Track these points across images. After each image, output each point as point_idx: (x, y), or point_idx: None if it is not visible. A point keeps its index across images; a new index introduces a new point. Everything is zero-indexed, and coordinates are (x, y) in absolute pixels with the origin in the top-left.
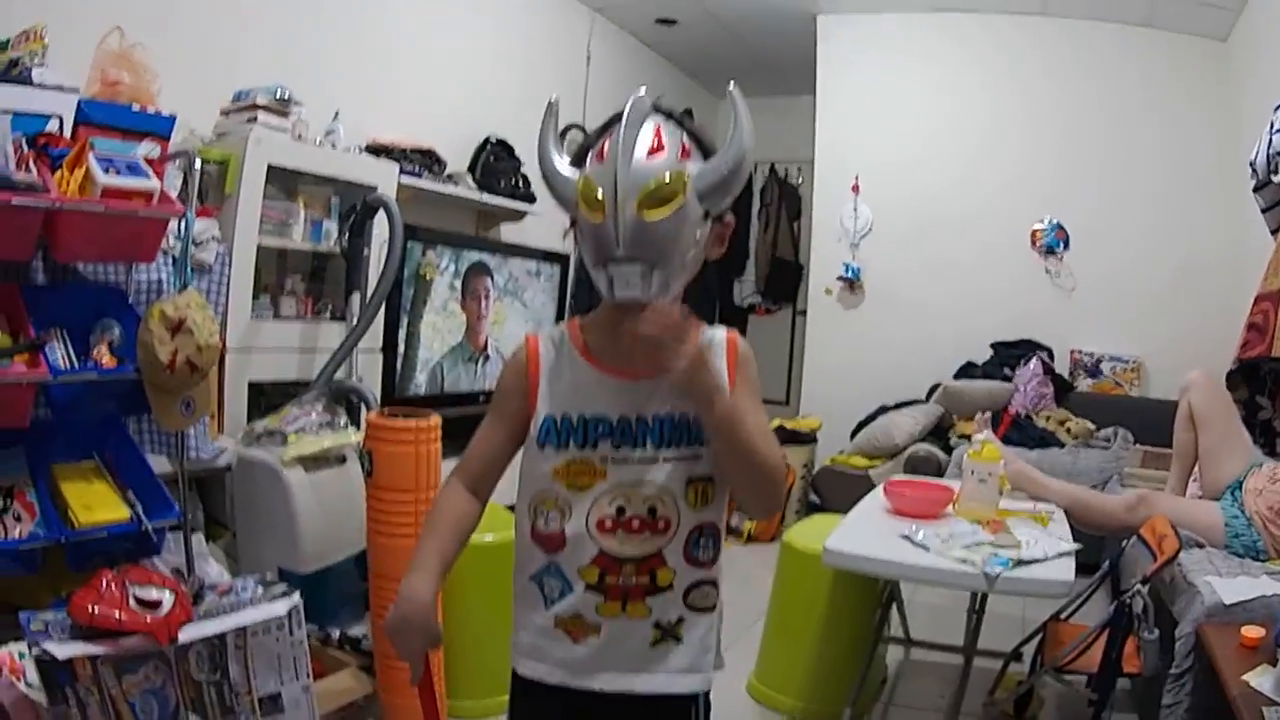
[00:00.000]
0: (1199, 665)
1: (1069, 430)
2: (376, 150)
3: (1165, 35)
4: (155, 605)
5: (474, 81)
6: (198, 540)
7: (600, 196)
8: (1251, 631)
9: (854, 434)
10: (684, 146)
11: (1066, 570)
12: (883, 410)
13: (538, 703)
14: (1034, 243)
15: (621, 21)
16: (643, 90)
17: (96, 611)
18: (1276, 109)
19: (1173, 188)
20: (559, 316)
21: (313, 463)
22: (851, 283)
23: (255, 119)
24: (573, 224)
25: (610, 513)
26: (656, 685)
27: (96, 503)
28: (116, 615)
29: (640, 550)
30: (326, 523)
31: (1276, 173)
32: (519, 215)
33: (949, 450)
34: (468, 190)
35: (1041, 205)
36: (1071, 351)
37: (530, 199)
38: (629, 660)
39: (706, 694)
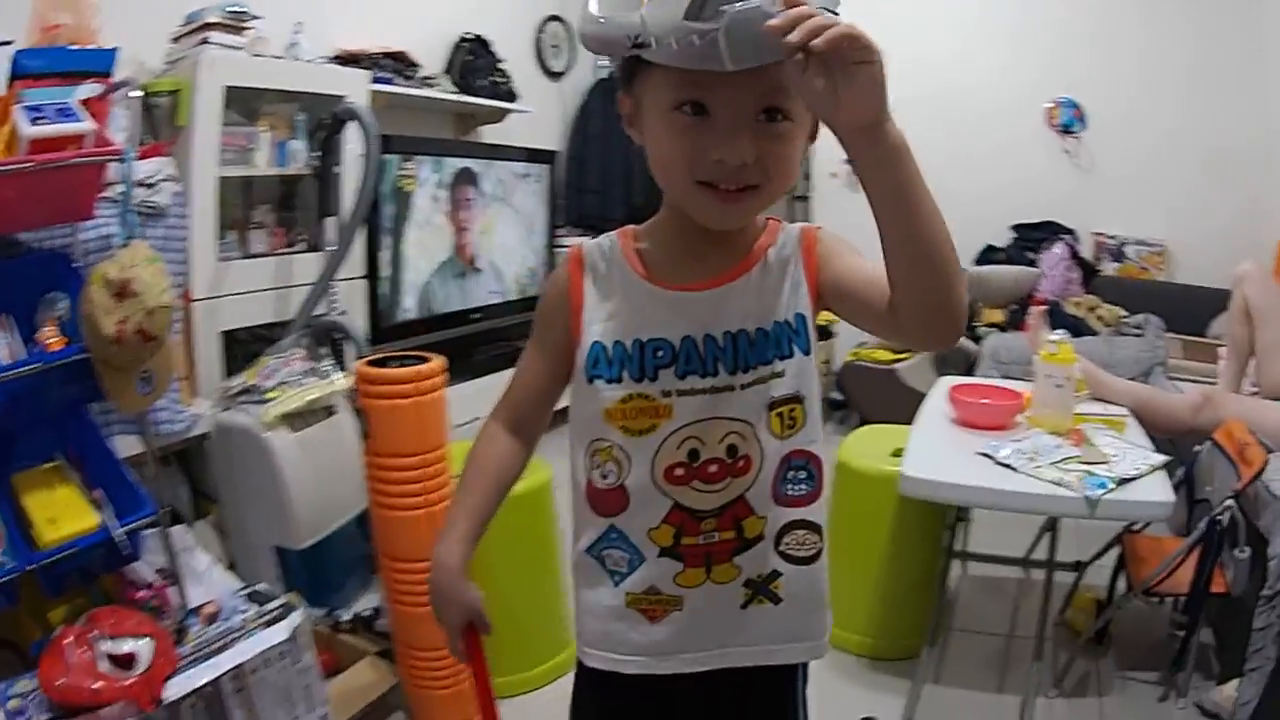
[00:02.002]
0: None
1: (1100, 317)
2: (344, 60)
3: None
4: (131, 661)
5: None
6: (181, 532)
7: None
8: None
9: None
10: None
11: (1165, 489)
12: None
13: (613, 697)
14: (1050, 121)
15: None
16: None
17: (65, 685)
18: None
19: (1200, 70)
20: (551, 219)
21: (298, 419)
22: None
23: (207, 40)
24: (625, 80)
25: (681, 458)
26: (751, 657)
27: (63, 513)
28: (90, 686)
29: (722, 499)
30: (320, 488)
31: None
32: (501, 115)
33: (976, 340)
34: (446, 93)
35: (1058, 83)
36: (1094, 234)
37: (512, 96)
38: (718, 632)
39: (805, 666)
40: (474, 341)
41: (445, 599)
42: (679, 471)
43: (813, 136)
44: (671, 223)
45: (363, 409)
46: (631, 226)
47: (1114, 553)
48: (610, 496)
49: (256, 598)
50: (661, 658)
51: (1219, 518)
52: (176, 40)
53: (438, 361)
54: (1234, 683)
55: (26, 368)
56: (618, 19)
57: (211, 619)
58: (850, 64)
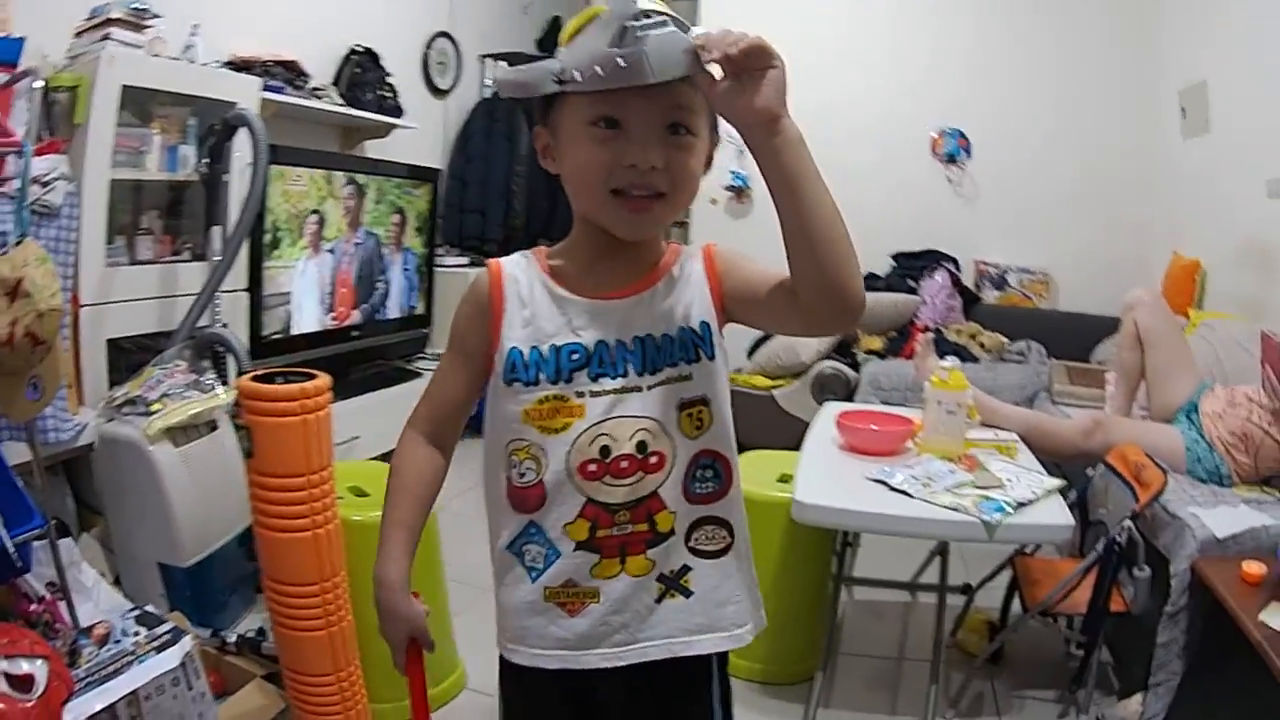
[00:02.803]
0: (1193, 602)
1: (982, 344)
2: (237, 65)
3: None
4: (28, 683)
5: None
6: (69, 545)
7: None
8: (1252, 567)
9: (751, 352)
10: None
11: (1063, 512)
12: None
13: (535, 691)
14: (934, 150)
15: None
16: None
17: None
18: None
19: (1076, 96)
20: (429, 237)
21: (181, 434)
22: (740, 191)
23: (108, 36)
24: (542, 116)
25: (593, 454)
26: (667, 649)
27: None
28: None
29: (634, 494)
30: (204, 504)
31: None
32: (386, 130)
33: (856, 367)
34: (333, 104)
35: (942, 112)
36: (976, 263)
37: (398, 112)
38: (635, 625)
39: (725, 654)
40: (352, 359)
41: (390, 616)
42: (592, 467)
43: (707, 165)
44: (585, 239)
45: (246, 425)
46: (543, 246)
47: (1005, 575)
48: (529, 493)
49: (145, 620)
50: (580, 652)
51: (1118, 538)
52: (79, 34)
53: (324, 379)
54: (1137, 697)
55: None
56: (536, 66)
57: (103, 640)
58: (756, 69)
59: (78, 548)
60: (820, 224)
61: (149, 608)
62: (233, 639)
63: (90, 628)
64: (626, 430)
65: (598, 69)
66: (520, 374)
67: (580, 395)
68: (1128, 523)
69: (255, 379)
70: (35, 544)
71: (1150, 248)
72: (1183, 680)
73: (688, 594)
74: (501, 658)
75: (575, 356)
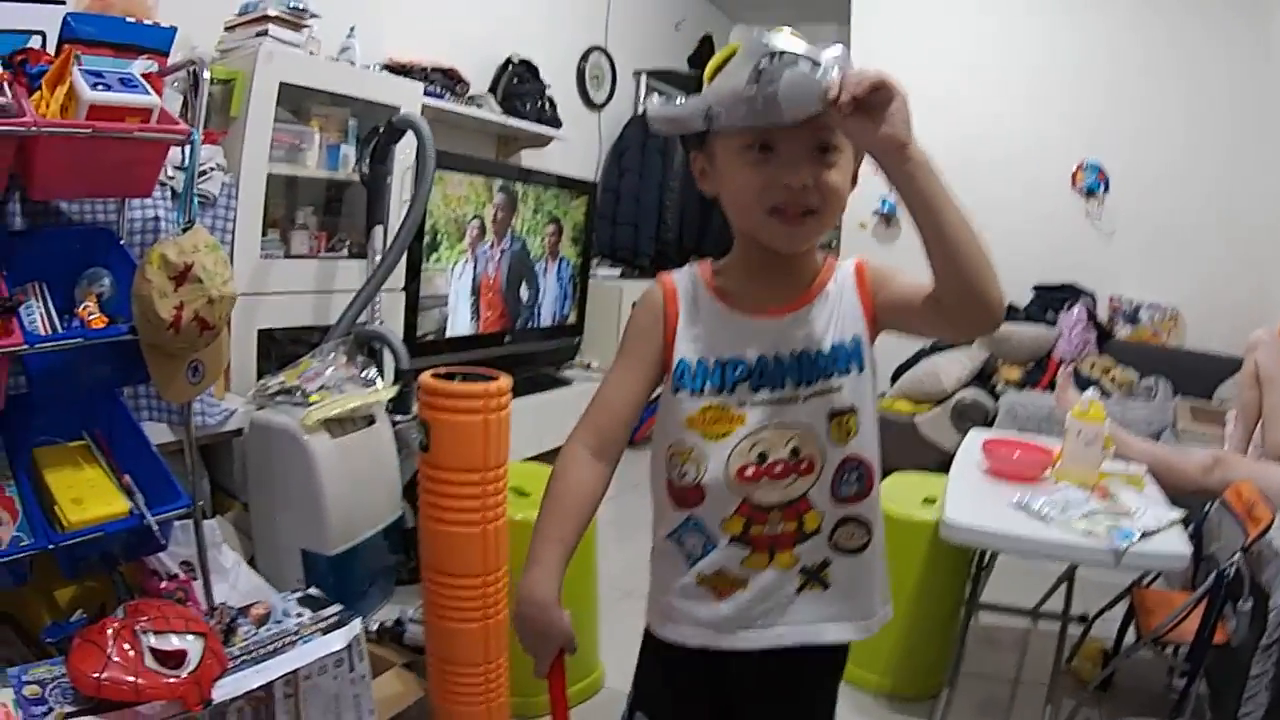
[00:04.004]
0: None
1: (1113, 379)
2: (396, 69)
3: None
4: (178, 658)
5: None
6: (212, 526)
7: (744, 44)
8: None
9: (894, 377)
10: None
11: (1183, 541)
12: (923, 353)
13: (676, 666)
14: (1074, 183)
15: None
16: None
17: (105, 679)
18: None
19: (1210, 129)
20: (584, 248)
21: (338, 426)
22: (887, 217)
23: (266, 32)
24: (697, 143)
25: (751, 459)
26: (803, 636)
27: (89, 494)
28: (133, 682)
29: (785, 495)
30: (355, 495)
31: None
32: (544, 140)
33: (995, 397)
34: (491, 113)
35: (1083, 145)
36: (1110, 298)
37: (556, 123)
38: (774, 612)
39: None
40: (503, 364)
41: (539, 632)
42: (749, 471)
43: (853, 182)
44: (744, 258)
45: (425, 421)
46: (707, 261)
47: (1121, 606)
48: (688, 493)
49: (310, 602)
50: (722, 634)
51: (1226, 571)
52: (232, 29)
53: (505, 379)
54: None
55: (67, 340)
56: (687, 104)
57: (262, 620)
58: (880, 104)
59: (217, 528)
60: (955, 238)
61: (313, 590)
62: (373, 627)
63: (247, 608)
64: (782, 438)
65: (738, 109)
66: (688, 383)
67: (741, 405)
68: (1237, 556)
69: (436, 376)
70: (175, 524)
71: (1278, 289)
72: (1268, 712)
73: (826, 585)
74: (646, 631)
75: (739, 370)
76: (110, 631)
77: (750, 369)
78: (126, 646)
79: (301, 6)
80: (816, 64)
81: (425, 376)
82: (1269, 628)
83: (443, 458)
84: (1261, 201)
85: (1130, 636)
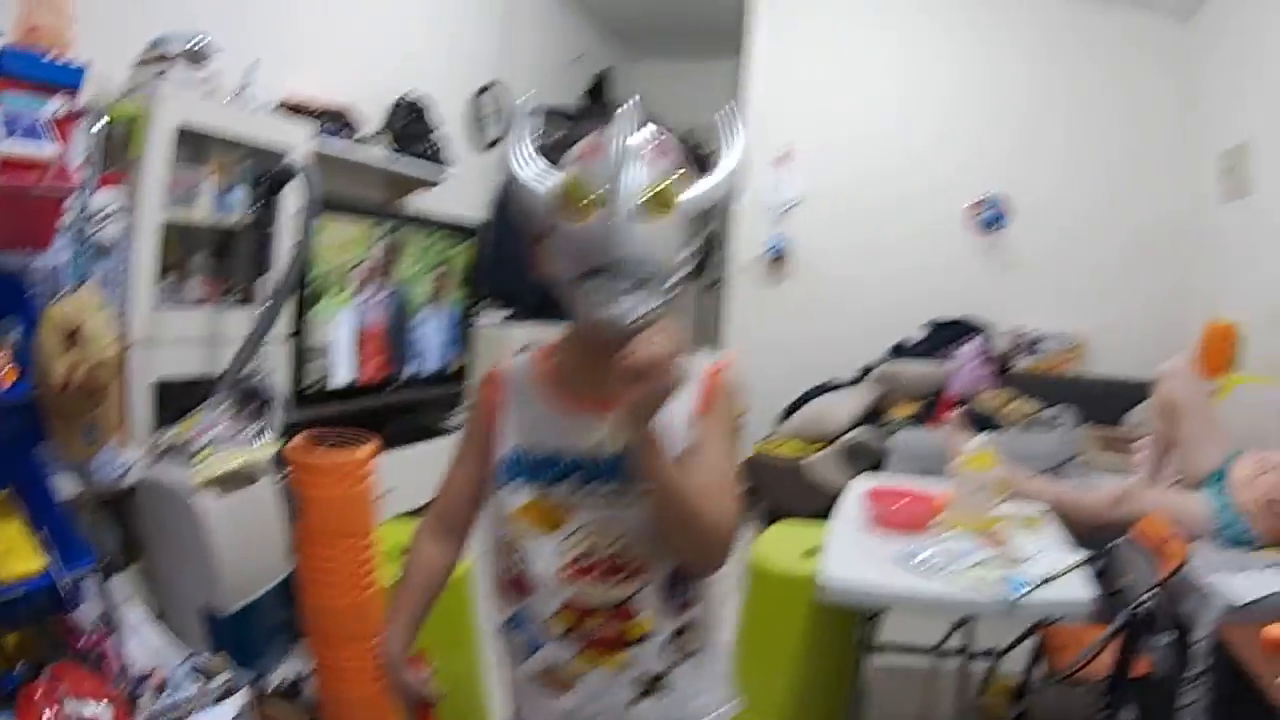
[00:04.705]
0: (1216, 665)
1: (1013, 412)
2: (290, 109)
3: (1115, 12)
4: None
5: (391, 34)
6: (118, 583)
7: (592, 196)
8: (1275, 631)
9: (784, 418)
10: (681, 161)
11: (1084, 587)
12: (813, 393)
13: None
14: (971, 218)
15: None
16: (637, 97)
17: None
18: None
19: (1113, 162)
20: (469, 292)
21: (224, 483)
22: (776, 258)
23: (167, 71)
24: (537, 240)
25: (576, 556)
26: None
27: (8, 550)
28: None
29: (611, 596)
30: (247, 553)
31: None
32: (432, 182)
33: (887, 435)
34: (382, 154)
35: (980, 180)
36: (1009, 330)
37: (444, 164)
38: (610, 715)
39: None
40: (389, 412)
41: (393, 683)
42: (573, 569)
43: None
44: (576, 344)
45: (295, 490)
46: (545, 344)
47: (1030, 638)
48: (516, 585)
49: (202, 670)
50: None
51: (1139, 608)
52: (141, 64)
53: (369, 447)
54: None
55: None
56: (536, 200)
57: (161, 688)
58: (646, 378)
59: (125, 585)
60: (669, 518)
61: (203, 656)
62: (273, 685)
63: (148, 675)
64: (608, 537)
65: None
66: (513, 476)
67: (568, 500)
68: (1150, 593)
69: (304, 441)
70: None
71: (1186, 311)
72: None
73: (665, 692)
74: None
75: (565, 464)
76: (39, 696)
77: (576, 464)
78: (53, 710)
79: (203, 44)
80: (645, 282)
81: (292, 446)
82: (1193, 660)
83: (313, 527)
84: (1164, 226)
85: (1039, 671)
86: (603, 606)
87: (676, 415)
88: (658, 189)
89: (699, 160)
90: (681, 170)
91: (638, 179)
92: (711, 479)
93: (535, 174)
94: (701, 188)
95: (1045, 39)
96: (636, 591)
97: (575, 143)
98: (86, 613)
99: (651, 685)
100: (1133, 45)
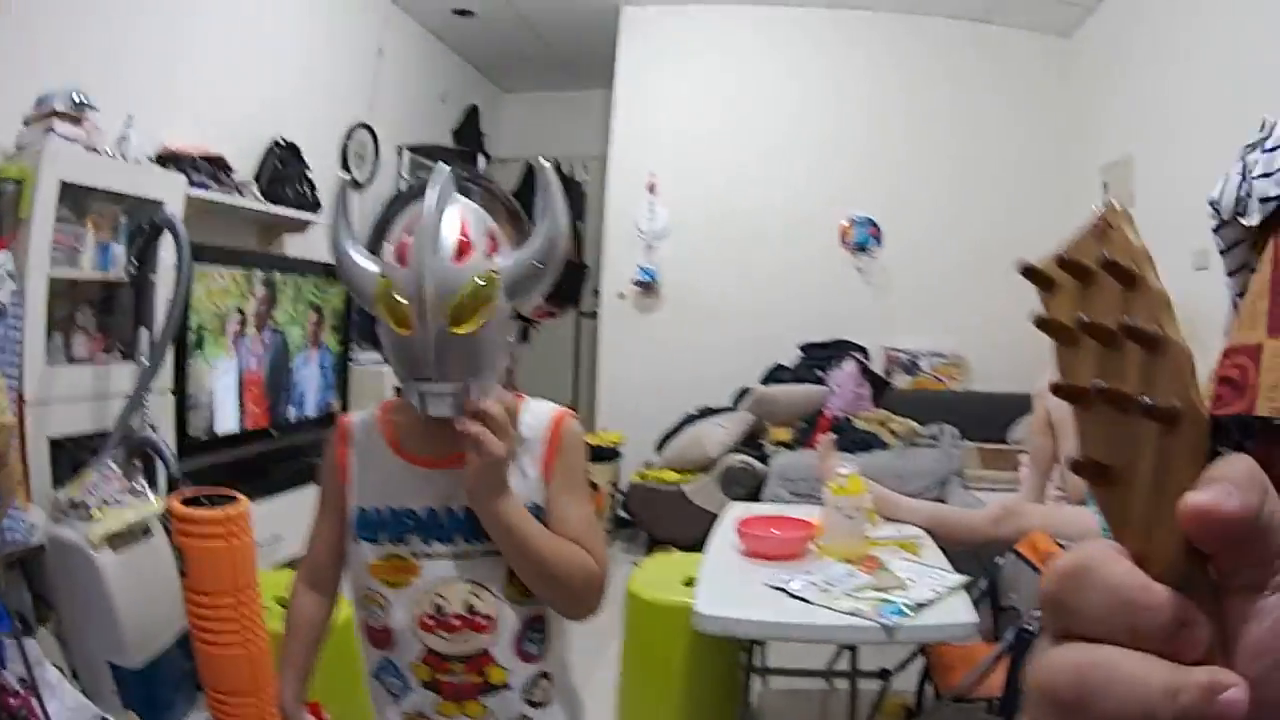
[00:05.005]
0: None
1: (892, 430)
2: (166, 159)
3: (995, 29)
4: None
5: (264, 77)
6: (34, 644)
7: (404, 306)
8: None
9: (660, 446)
10: (491, 236)
11: (966, 609)
12: (689, 420)
13: None
14: (844, 240)
15: (417, 14)
16: (442, 171)
17: None
18: (1246, 149)
19: (992, 179)
20: (344, 334)
21: (119, 539)
22: (647, 285)
23: (52, 129)
24: (374, 319)
25: (429, 610)
26: None
27: None
28: None
29: (465, 648)
30: (147, 607)
31: (1245, 214)
32: (304, 225)
33: (764, 460)
34: (254, 200)
35: (852, 202)
36: (886, 349)
37: (316, 207)
38: None
39: None
40: (273, 458)
41: None
42: (429, 621)
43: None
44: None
45: (180, 547)
46: (390, 400)
47: (920, 659)
48: (379, 635)
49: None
50: None
51: (1028, 626)
52: (28, 123)
53: (243, 503)
54: None
55: None
56: (362, 277)
57: None
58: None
59: (37, 645)
60: (534, 580)
61: (109, 718)
62: None
63: None
64: (457, 592)
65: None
66: (366, 532)
67: (416, 556)
68: (1038, 611)
69: (184, 502)
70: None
71: None
72: None
73: None
74: None
75: (409, 521)
76: None
77: (421, 520)
78: None
79: (83, 100)
80: (467, 377)
81: (172, 503)
82: None
83: (197, 582)
84: (1045, 241)
85: (930, 691)
86: (457, 657)
87: (524, 471)
88: (468, 295)
89: (518, 219)
90: (492, 259)
91: (447, 287)
92: (569, 530)
93: (356, 261)
94: (522, 259)
95: (926, 57)
96: (487, 646)
97: (389, 220)
98: (8, 675)
99: None
100: (1015, 62)
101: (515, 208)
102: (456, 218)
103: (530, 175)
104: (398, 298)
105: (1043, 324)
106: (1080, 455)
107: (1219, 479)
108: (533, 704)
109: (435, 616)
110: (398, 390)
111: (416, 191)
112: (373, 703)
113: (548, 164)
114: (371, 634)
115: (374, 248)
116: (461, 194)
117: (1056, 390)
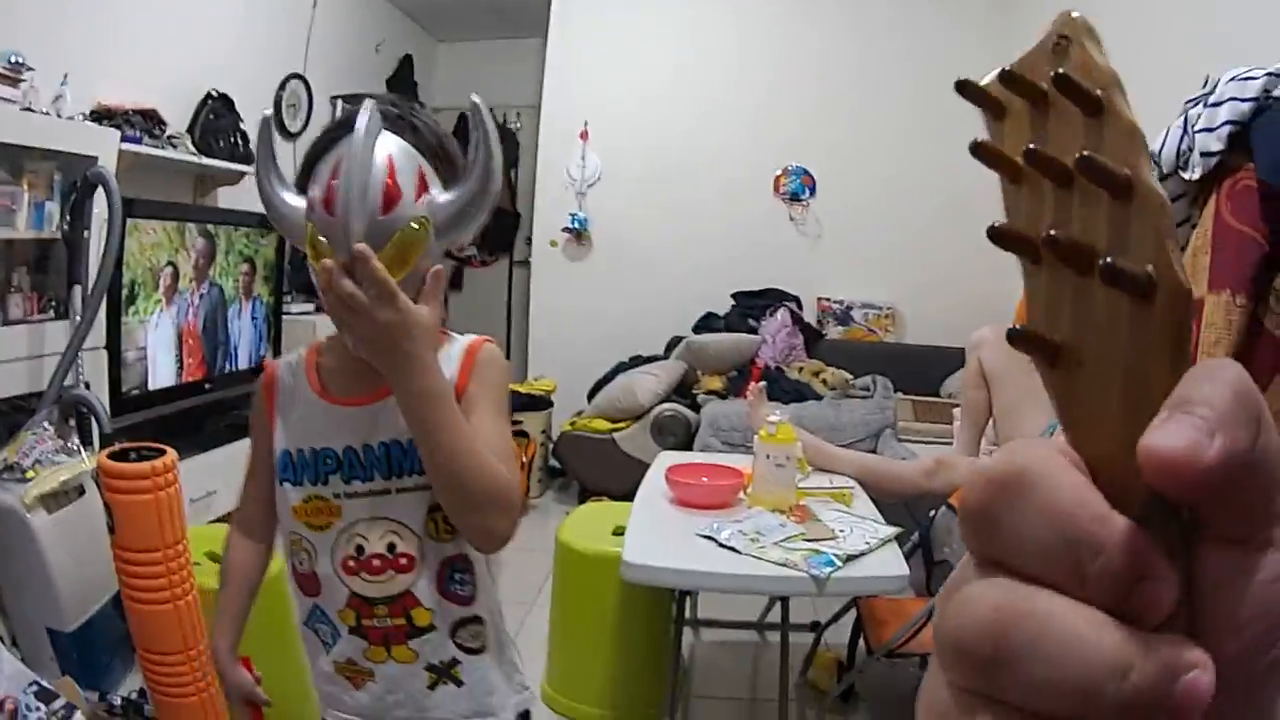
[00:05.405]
0: None
1: (824, 381)
2: (101, 115)
3: None
4: None
5: (198, 30)
6: None
7: (332, 259)
8: None
9: (591, 395)
10: (421, 176)
11: (896, 562)
12: (621, 368)
13: None
14: (777, 189)
15: None
16: (369, 108)
17: None
18: (1189, 103)
19: (925, 130)
20: (277, 285)
21: (53, 500)
22: (579, 233)
23: None
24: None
25: (350, 552)
26: None
27: None
28: None
29: (388, 590)
30: (80, 568)
31: (1186, 169)
32: (237, 178)
33: (696, 408)
34: (186, 153)
35: (785, 151)
36: (819, 299)
37: (249, 159)
38: (413, 705)
39: None
40: (207, 411)
41: (223, 680)
42: (350, 563)
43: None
44: (339, 342)
45: (108, 503)
46: (318, 340)
47: (852, 612)
48: (307, 580)
49: (43, 695)
50: None
51: None
52: None
53: (170, 455)
54: None
55: None
56: (292, 228)
57: (13, 716)
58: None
59: None
60: (441, 471)
61: (44, 681)
62: (118, 702)
63: (1, 703)
64: (377, 531)
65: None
66: (288, 474)
67: (337, 497)
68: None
69: (111, 456)
70: None
71: (1003, 278)
72: None
73: (459, 683)
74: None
75: (328, 461)
76: None
77: (340, 459)
78: None
79: (19, 60)
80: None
81: (101, 458)
82: None
83: (125, 538)
84: (979, 194)
85: (862, 646)
86: (382, 600)
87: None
88: (396, 243)
89: (448, 155)
90: (421, 201)
91: (375, 240)
92: (484, 440)
93: (284, 199)
94: (453, 200)
95: (870, 6)
96: (409, 586)
97: (318, 156)
98: None
99: (443, 673)
100: (960, 14)
101: (443, 141)
102: (384, 161)
103: (463, 124)
104: (325, 250)
105: (980, 150)
106: (1024, 325)
107: (1194, 404)
108: (465, 649)
109: (356, 558)
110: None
111: (344, 124)
112: (306, 653)
113: (479, 100)
114: (300, 580)
115: (303, 185)
116: (390, 129)
117: (996, 236)
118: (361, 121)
